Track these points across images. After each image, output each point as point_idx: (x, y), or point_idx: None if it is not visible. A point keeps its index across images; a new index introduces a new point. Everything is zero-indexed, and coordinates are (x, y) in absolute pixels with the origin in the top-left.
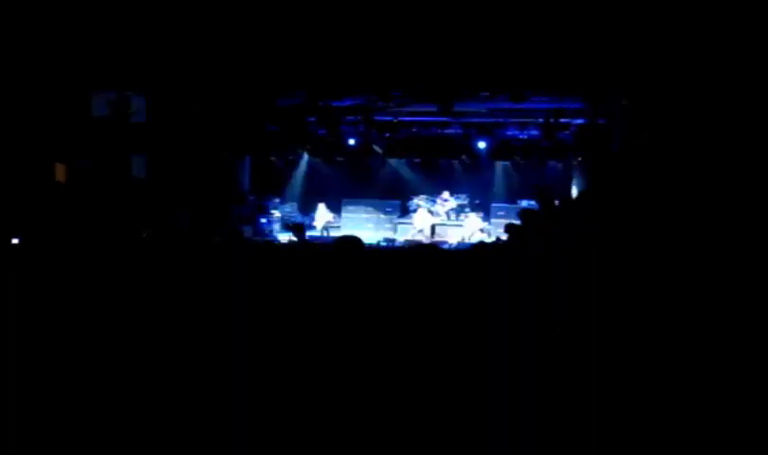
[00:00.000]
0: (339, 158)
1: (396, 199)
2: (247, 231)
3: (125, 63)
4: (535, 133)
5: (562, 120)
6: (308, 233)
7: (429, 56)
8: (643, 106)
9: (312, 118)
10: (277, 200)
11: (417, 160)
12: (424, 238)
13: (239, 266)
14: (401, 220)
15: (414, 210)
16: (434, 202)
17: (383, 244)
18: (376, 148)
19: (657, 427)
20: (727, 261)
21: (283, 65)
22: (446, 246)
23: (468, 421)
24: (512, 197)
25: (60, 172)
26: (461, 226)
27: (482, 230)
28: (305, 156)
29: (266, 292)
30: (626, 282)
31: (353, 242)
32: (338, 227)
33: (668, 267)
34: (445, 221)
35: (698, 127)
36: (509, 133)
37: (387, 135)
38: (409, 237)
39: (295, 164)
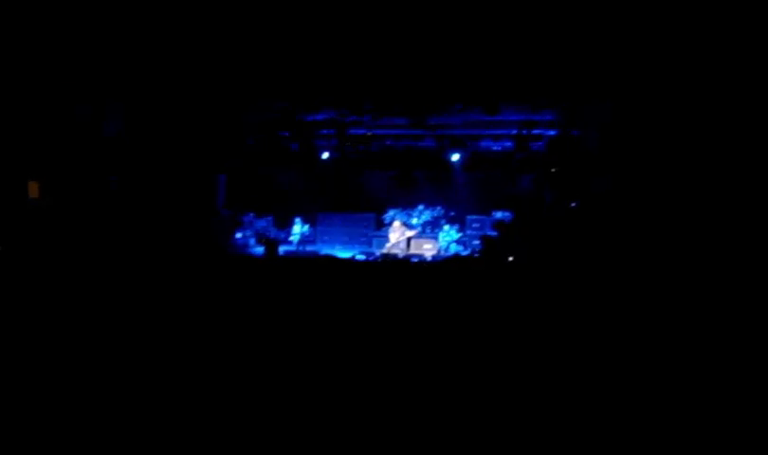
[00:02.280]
0: (314, 172)
1: (371, 212)
2: (223, 245)
3: (101, 76)
4: (508, 144)
5: (535, 132)
6: (285, 247)
7: (401, 69)
8: (619, 116)
9: (286, 133)
10: (252, 214)
11: (392, 173)
12: (399, 251)
13: (216, 279)
14: (377, 233)
15: (390, 223)
16: (409, 215)
17: (359, 257)
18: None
19: (654, 426)
20: (719, 264)
21: (257, 80)
22: (421, 259)
23: (463, 422)
24: (487, 209)
25: (33, 190)
26: (436, 238)
27: (457, 242)
28: (280, 171)
29: (241, 305)
30: (608, 288)
31: (326, 261)
32: (314, 240)
33: (655, 271)
34: (420, 234)
35: (677, 136)
36: (483, 145)
37: (361, 148)
38: (384, 250)
39: (270, 178)
